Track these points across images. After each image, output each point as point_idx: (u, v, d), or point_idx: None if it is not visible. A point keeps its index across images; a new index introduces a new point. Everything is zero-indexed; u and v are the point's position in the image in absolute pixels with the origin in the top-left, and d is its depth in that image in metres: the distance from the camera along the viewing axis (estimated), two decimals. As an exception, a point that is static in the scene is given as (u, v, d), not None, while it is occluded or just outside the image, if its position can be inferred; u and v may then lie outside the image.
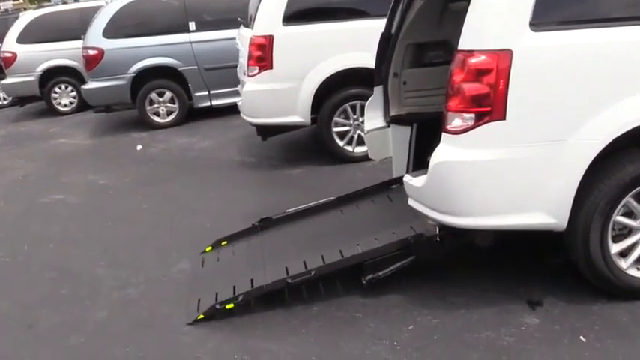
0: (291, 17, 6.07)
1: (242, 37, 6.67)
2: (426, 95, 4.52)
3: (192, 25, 9.08)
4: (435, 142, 3.31)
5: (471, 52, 3.10)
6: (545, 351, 3.02)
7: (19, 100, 12.29)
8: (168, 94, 9.20)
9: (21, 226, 5.69)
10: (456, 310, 3.44)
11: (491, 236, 3.52)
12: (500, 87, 3.04)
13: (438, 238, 3.56)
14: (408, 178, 3.63)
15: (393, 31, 4.40)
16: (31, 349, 3.05)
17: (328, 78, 6.08)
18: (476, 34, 3.13)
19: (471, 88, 3.08)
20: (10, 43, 11.42)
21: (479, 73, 3.07)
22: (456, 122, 3.17)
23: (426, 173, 3.38)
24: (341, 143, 6.35)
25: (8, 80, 11.66)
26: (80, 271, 4.55)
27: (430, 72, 4.52)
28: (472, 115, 3.11)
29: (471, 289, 3.61)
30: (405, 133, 4.39)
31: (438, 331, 3.28)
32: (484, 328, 3.24)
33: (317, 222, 4.43)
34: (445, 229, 3.48)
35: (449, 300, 3.54)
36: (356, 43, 5.96)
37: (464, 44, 3.14)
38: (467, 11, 3.14)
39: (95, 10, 9.60)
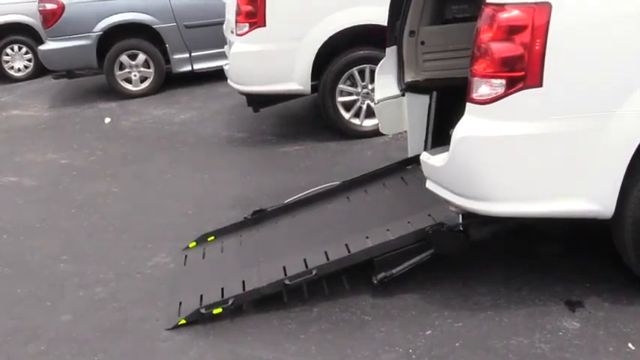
0: (288, -37, 6.07)
1: (229, -11, 6.66)
2: (448, 58, 4.52)
3: (170, -26, 9.08)
4: (458, 113, 3.32)
5: (501, 6, 3.10)
6: (587, 360, 3.05)
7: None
8: (141, 57, 9.21)
9: (-32, 214, 5.73)
10: (482, 313, 3.47)
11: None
12: (537, 47, 3.04)
13: (461, 228, 3.58)
14: (426, 157, 3.64)
15: (409, -20, 4.40)
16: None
17: (332, 37, 6.09)
18: (508, -16, 3.13)
19: (502, 48, 3.08)
20: (-47, -4, 11.40)
21: (511, 31, 3.07)
22: (483, 89, 3.17)
23: (447, 150, 3.39)
24: (347, 115, 6.37)
25: (-50, 40, 11.66)
26: (39, 267, 4.58)
27: (453, 29, 4.52)
28: (502, 81, 3.11)
29: (500, 288, 3.64)
30: (422, 102, 4.40)
31: (460, 337, 3.30)
32: (515, 334, 3.27)
33: (319, 212, 4.46)
34: (470, 216, 3.50)
35: (473, 300, 3.57)
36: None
37: (493, -4, 3.14)
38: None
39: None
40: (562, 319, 3.34)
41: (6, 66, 11.64)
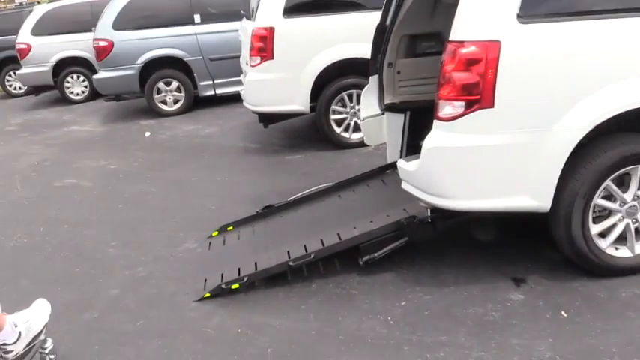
0: (291, 10, 6.04)
1: (244, 29, 6.64)
2: (419, 84, 4.50)
3: (197, 18, 9.04)
4: (427, 128, 3.30)
5: (461, 43, 3.08)
6: (529, 325, 3.04)
7: (34, 90, 12.27)
8: (174, 84, 9.18)
9: (37, 209, 5.69)
10: (446, 287, 3.46)
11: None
12: (489, 76, 3.03)
13: (429, 220, 3.57)
14: (401, 163, 3.63)
15: (388, 22, 4.38)
16: (49, 324, 3.07)
17: (326, 68, 6.06)
18: (466, 26, 3.11)
19: (462, 77, 3.07)
20: (25, 35, 11.36)
21: (469, 63, 3.06)
22: (447, 109, 3.16)
23: (418, 158, 3.38)
24: (338, 130, 6.35)
25: (23, 70, 11.61)
26: (93, 251, 4.56)
27: (423, 62, 4.50)
28: (462, 103, 3.10)
29: (461, 268, 3.63)
30: (399, 120, 4.39)
31: (429, 307, 3.30)
32: (472, 304, 3.26)
33: (316, 208, 4.43)
34: (436, 211, 3.49)
35: (439, 278, 3.56)
36: (352, 34, 5.93)
37: (455, 35, 3.12)
38: (458, 3, 3.13)
39: (105, 3, 9.53)
40: (509, 293, 3.33)
41: (67, 91, 11.61)
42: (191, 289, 3.75)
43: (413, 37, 4.52)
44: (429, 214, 3.56)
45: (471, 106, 3.08)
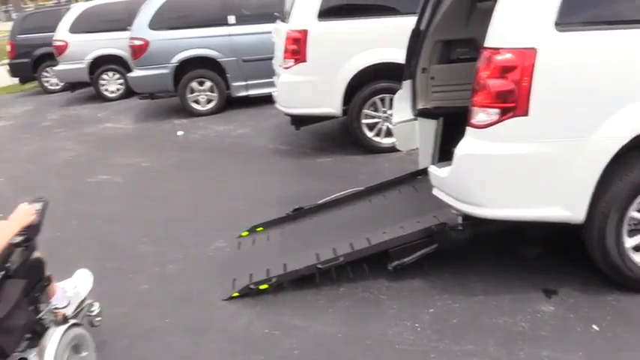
0: (326, 13, 6.06)
1: (278, 31, 6.69)
2: (453, 90, 4.49)
3: (231, 19, 9.12)
4: (459, 135, 3.30)
5: (497, 50, 3.07)
6: (560, 338, 3.01)
7: (70, 86, 12.50)
8: (207, 84, 9.27)
9: (70, 204, 5.80)
10: (475, 296, 3.44)
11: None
12: (524, 84, 3.01)
13: (460, 227, 3.55)
14: (433, 169, 3.63)
15: (422, 27, 4.37)
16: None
17: (359, 72, 6.07)
18: (502, 33, 3.10)
19: (496, 84, 3.06)
20: (63, 33, 11.60)
21: (504, 70, 3.05)
22: (480, 117, 3.15)
23: (450, 164, 3.37)
24: (370, 134, 6.35)
25: (60, 67, 11.86)
26: (124, 247, 4.64)
27: (457, 68, 4.49)
28: (496, 110, 3.09)
29: (490, 277, 3.60)
30: (431, 125, 4.38)
31: (457, 315, 3.28)
32: (501, 314, 3.24)
33: (346, 211, 4.44)
34: (467, 218, 3.47)
35: (469, 286, 3.54)
36: (386, 39, 5.93)
37: (490, 42, 3.11)
38: (494, 10, 3.12)
39: (141, 2, 9.68)
40: (540, 304, 3.30)
41: (102, 88, 11.81)
42: (220, 288, 3.79)
43: (447, 42, 4.51)
44: (459, 221, 3.54)
45: (505, 113, 3.07)
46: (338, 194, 4.73)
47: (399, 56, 4.76)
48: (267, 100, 7.53)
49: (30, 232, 2.76)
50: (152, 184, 6.27)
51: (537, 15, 3.04)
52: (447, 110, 4.37)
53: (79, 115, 10.83)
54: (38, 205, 2.90)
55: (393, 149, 5.67)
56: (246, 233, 4.51)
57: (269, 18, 7.80)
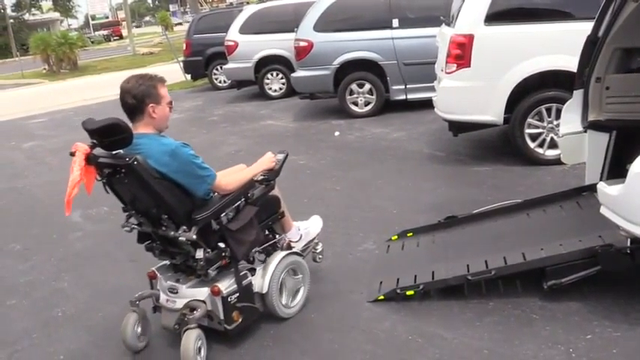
0: (493, 17, 5.91)
1: (442, 35, 6.63)
2: (630, 102, 4.18)
3: (395, 22, 9.18)
4: (635, 150, 3.08)
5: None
6: None
7: (237, 84, 13.34)
8: (367, 86, 9.40)
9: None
10: (640, 327, 3.19)
11: None
12: None
13: (628, 251, 3.31)
14: (602, 186, 3.41)
15: (600, 34, 4.13)
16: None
17: (526, 79, 5.84)
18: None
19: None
20: (234, 33, 12.40)
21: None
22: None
23: (623, 182, 3.15)
24: (532, 145, 6.07)
25: (229, 65, 12.69)
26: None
27: (637, 78, 4.18)
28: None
29: (661, 308, 3.32)
30: (602, 139, 4.12)
31: (618, 345, 3.06)
32: (672, 350, 2.97)
33: (502, 223, 4.31)
34: (638, 241, 3.23)
35: (633, 315, 3.28)
36: (558, 45, 5.66)
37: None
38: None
39: (308, 5, 10.06)
40: None
41: (266, 87, 12.46)
42: (366, 290, 3.86)
43: (628, 50, 4.21)
44: (628, 243, 3.30)
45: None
46: (494, 205, 4.60)
47: (569, 64, 4.55)
48: (426, 105, 7.50)
49: (270, 174, 3.65)
50: (307, 181, 6.49)
51: None
52: (622, 123, 4.08)
53: (243, 111, 11.50)
54: (280, 156, 3.83)
55: (556, 162, 5.41)
56: (396, 237, 4.53)
57: (433, 21, 7.75)
